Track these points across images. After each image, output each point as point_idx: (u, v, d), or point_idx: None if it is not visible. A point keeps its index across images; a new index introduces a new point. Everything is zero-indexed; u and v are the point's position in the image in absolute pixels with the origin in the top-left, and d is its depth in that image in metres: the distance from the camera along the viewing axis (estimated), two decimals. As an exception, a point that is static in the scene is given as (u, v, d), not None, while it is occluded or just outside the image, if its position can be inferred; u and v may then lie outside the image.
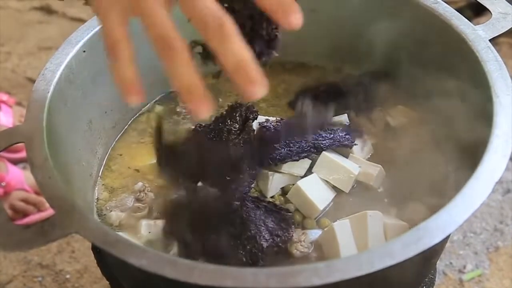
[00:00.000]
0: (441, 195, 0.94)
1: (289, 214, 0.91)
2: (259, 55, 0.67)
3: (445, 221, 0.71)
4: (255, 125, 0.97)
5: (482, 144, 0.80)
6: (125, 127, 1.12)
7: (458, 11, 1.00)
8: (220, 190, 0.86)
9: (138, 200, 0.98)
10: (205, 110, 0.58)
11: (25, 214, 1.62)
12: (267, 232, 0.87)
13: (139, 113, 1.15)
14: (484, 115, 0.86)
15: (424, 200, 0.95)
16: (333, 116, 1.05)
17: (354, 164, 0.98)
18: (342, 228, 0.89)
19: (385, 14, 1.08)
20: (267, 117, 1.01)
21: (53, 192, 0.78)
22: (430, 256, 0.90)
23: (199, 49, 0.68)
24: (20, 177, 1.65)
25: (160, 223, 0.93)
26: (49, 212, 1.60)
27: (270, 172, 0.95)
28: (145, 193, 0.98)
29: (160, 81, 1.13)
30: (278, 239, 0.88)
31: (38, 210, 1.63)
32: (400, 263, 0.66)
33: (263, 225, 0.88)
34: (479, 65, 0.91)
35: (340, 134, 1.00)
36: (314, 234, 0.92)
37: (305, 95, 1.00)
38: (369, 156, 1.03)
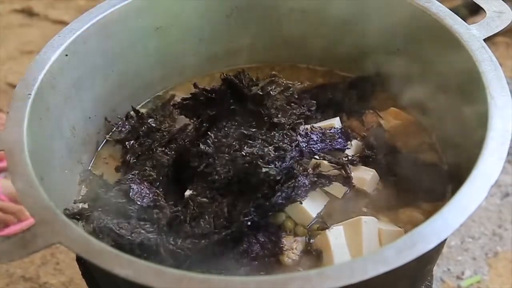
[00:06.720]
0: (436, 199, 0.93)
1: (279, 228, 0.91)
2: None
3: (440, 226, 0.69)
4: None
5: (478, 146, 0.79)
6: (111, 133, 1.10)
7: (453, 10, 0.99)
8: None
9: (124, 208, 0.95)
10: None
11: (5, 225, 1.59)
12: (258, 245, 0.87)
13: (125, 117, 1.12)
14: (479, 116, 0.84)
15: (418, 204, 0.94)
16: (325, 119, 1.04)
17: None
18: (336, 235, 0.88)
19: (378, 15, 1.07)
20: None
21: (34, 201, 0.76)
22: (426, 262, 0.88)
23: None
24: None
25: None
26: (30, 221, 1.57)
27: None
28: (132, 200, 0.95)
29: (145, 87, 1.15)
30: (268, 252, 0.87)
31: (18, 220, 1.59)
32: (395, 270, 0.65)
33: (254, 238, 0.87)
34: (473, 65, 0.90)
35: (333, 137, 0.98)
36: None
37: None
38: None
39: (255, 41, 1.19)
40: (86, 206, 0.91)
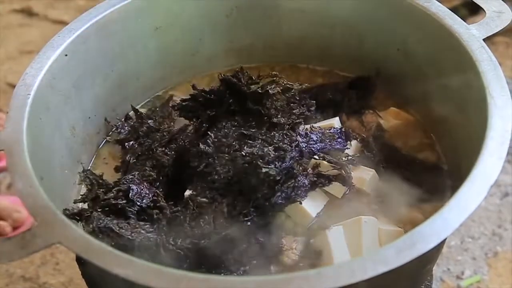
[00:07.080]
0: (436, 199, 0.92)
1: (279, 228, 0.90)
2: None
3: (440, 226, 0.69)
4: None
5: (478, 146, 0.79)
6: (110, 133, 1.10)
7: (452, 10, 0.99)
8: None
9: (123, 208, 0.95)
10: None
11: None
12: (258, 245, 0.86)
13: (124, 118, 1.12)
14: (479, 116, 0.84)
15: (418, 204, 0.93)
16: (325, 119, 1.04)
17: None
18: (336, 235, 0.87)
19: (377, 15, 1.07)
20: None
21: (34, 201, 0.76)
22: (425, 262, 0.88)
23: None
24: None
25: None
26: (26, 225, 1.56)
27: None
28: (131, 201, 0.95)
29: (145, 86, 1.15)
30: (268, 252, 0.87)
31: (13, 228, 1.57)
32: (394, 269, 0.65)
33: (254, 238, 0.87)
34: (473, 65, 0.90)
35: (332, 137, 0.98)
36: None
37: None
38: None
39: (255, 41, 1.19)
40: (86, 206, 0.91)
